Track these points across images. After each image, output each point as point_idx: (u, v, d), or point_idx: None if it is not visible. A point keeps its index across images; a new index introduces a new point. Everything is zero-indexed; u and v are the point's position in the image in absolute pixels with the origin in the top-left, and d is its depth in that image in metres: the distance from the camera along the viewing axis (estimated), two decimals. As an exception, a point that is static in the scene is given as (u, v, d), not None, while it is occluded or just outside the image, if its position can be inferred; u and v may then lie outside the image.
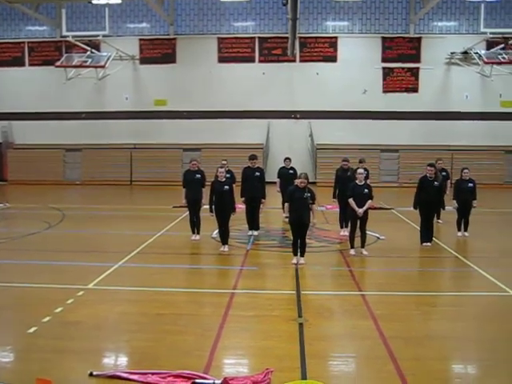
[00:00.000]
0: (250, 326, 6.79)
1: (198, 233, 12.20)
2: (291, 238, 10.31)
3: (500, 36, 22.87)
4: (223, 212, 10.96)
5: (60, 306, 7.31)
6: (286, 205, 10.00)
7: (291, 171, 13.69)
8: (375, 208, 15.32)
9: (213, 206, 10.98)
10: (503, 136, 25.17)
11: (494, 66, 23.26)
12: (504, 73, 23.31)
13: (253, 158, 12.87)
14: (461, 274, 9.78)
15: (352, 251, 10.84)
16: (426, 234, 11.71)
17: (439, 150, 23.98)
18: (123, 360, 5.87)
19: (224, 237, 11.11)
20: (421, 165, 20.72)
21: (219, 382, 5.13)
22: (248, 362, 5.88)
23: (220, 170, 11.14)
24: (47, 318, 6.84)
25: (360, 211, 10.62)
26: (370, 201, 10.79)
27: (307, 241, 10.23)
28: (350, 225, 11.39)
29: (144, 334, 6.47)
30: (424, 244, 11.64)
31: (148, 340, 6.28)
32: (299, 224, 9.82)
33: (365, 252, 10.79)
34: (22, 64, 26.91)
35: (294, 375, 5.30)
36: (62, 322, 6.80)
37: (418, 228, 12.05)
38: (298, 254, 9.98)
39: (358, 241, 10.91)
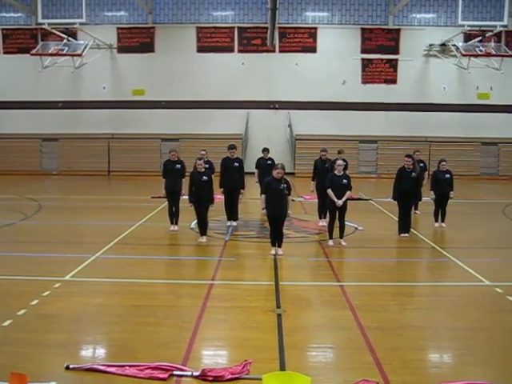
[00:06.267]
0: (229, 317, 6.78)
1: (177, 223, 12.16)
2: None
3: (477, 29, 23.10)
4: (202, 203, 10.90)
5: (36, 299, 7.20)
6: (263, 196, 9.88)
7: (269, 162, 13.63)
8: (354, 198, 15.41)
9: (192, 197, 10.93)
10: (480, 128, 25.51)
11: (472, 58, 23.52)
12: (481, 65, 23.58)
13: (232, 147, 12.81)
14: (437, 264, 9.88)
15: (330, 242, 10.88)
16: (405, 224, 11.81)
17: (417, 142, 24.27)
18: (100, 352, 5.81)
19: (202, 228, 11.07)
20: (399, 156, 20.94)
21: (197, 373, 5.12)
22: (226, 353, 5.87)
23: (199, 161, 11.05)
24: (23, 311, 6.74)
25: (339, 202, 10.64)
26: (348, 192, 10.82)
27: (286, 231, 10.23)
28: (328, 215, 11.44)
29: (122, 326, 6.42)
30: (402, 235, 11.75)
31: (126, 332, 6.22)
32: (276, 216, 9.77)
33: (343, 243, 10.83)
34: (-4, 52, 26.41)
35: (272, 366, 5.30)
36: (37, 314, 6.70)
37: (396, 219, 12.15)
38: (276, 244, 9.97)
39: (336, 231, 10.96)
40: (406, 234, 11.75)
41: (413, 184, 11.70)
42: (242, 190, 12.78)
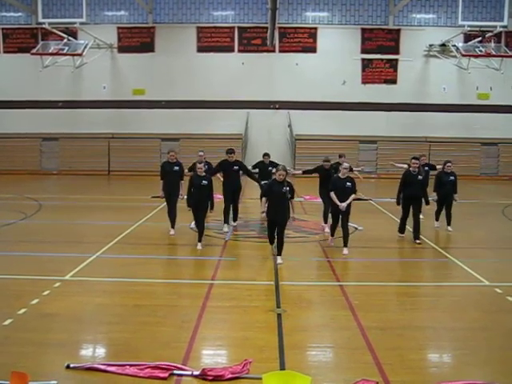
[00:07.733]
0: (229, 317, 6.79)
1: (173, 227, 11.83)
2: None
3: (477, 29, 23.09)
4: (201, 206, 10.64)
5: (36, 298, 7.22)
6: (264, 199, 9.61)
7: (270, 167, 13.18)
8: (354, 199, 15.38)
9: (190, 200, 10.66)
10: (480, 128, 25.51)
11: (471, 58, 23.52)
12: (481, 65, 23.59)
13: (230, 152, 12.41)
14: (438, 265, 9.89)
15: (330, 241, 10.81)
16: (405, 226, 11.73)
17: (417, 142, 24.29)
18: (101, 352, 5.82)
19: (200, 233, 10.67)
20: (399, 156, 20.99)
21: (197, 373, 5.13)
22: (226, 352, 5.88)
23: (199, 165, 10.74)
24: (23, 310, 6.75)
25: (343, 205, 10.24)
26: (353, 195, 10.44)
27: (285, 231, 10.08)
28: (331, 219, 11.02)
29: (122, 326, 6.43)
30: (400, 235, 11.72)
31: (126, 331, 6.24)
32: (276, 221, 9.46)
33: (345, 251, 10.18)
34: (-4, 51, 26.39)
35: (272, 366, 5.32)
36: (38, 313, 6.72)
37: (396, 219, 12.12)
38: (276, 252, 9.60)
39: (338, 231, 10.74)
40: (403, 235, 11.70)
41: (419, 188, 11.38)
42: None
